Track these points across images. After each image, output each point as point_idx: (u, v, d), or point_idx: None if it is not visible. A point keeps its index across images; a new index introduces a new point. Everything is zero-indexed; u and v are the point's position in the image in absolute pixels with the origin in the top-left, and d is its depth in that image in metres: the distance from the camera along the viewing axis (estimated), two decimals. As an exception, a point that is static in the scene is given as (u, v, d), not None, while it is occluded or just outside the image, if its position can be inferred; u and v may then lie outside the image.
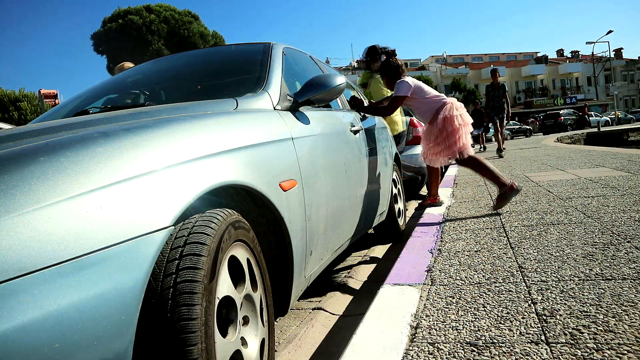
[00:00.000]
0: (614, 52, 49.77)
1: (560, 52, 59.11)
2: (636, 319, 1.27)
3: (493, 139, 11.66)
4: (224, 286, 1.00)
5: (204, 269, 0.90)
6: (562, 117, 27.97)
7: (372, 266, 2.84)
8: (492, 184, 3.24)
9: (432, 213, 3.36)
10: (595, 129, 23.32)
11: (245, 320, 1.13)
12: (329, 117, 2.15)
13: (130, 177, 0.84)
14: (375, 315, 1.52)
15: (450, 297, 1.61)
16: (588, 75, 46.19)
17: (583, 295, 1.48)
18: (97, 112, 1.67)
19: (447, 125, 3.01)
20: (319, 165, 1.77)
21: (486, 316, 1.41)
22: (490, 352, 1.19)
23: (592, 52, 40.92)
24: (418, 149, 5.32)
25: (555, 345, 1.18)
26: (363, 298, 2.19)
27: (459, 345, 1.24)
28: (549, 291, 1.55)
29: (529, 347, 1.19)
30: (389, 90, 3.66)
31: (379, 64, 3.46)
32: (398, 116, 4.63)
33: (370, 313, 1.55)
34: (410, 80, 3.15)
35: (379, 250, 3.23)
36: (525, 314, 1.39)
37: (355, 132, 2.43)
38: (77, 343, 0.67)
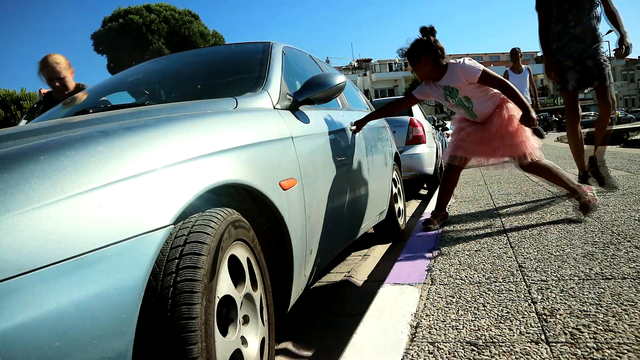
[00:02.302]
0: (613, 52, 49.70)
1: (560, 52, 58.96)
2: (636, 319, 1.27)
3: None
4: (224, 285, 1.00)
5: (204, 268, 0.90)
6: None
7: (372, 265, 2.83)
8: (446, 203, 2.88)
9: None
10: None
11: (246, 320, 1.13)
12: (329, 116, 2.15)
13: (130, 176, 0.84)
14: (375, 315, 1.52)
15: (450, 296, 1.61)
16: (588, 75, 46.10)
17: (583, 294, 1.48)
18: (96, 112, 1.67)
19: (510, 123, 2.45)
20: (319, 165, 1.77)
21: (486, 315, 1.41)
22: (490, 351, 1.19)
23: (592, 52, 40.84)
24: (418, 149, 5.33)
25: (555, 344, 1.18)
26: (363, 297, 2.19)
27: (459, 345, 1.24)
28: (549, 290, 1.55)
29: (529, 347, 1.19)
30: None
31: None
32: None
33: (370, 312, 1.55)
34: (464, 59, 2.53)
35: (379, 250, 3.23)
36: (525, 313, 1.39)
37: (355, 131, 2.43)
38: (77, 342, 0.67)
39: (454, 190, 2.94)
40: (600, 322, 1.27)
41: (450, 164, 2.70)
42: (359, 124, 2.49)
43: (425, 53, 2.44)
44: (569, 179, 2.57)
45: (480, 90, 2.48)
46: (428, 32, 2.47)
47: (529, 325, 1.31)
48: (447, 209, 3.02)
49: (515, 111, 2.45)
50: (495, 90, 2.48)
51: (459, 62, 2.44)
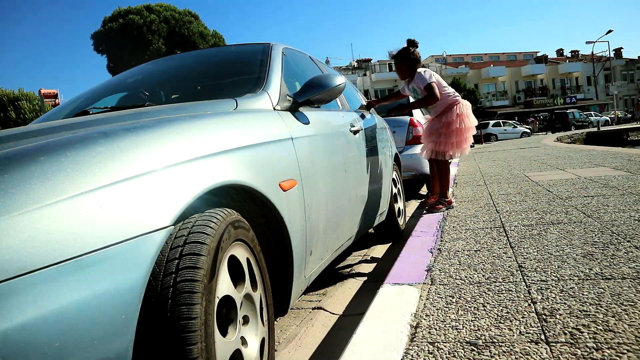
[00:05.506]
0: (613, 52, 49.67)
1: (560, 52, 58.97)
2: (636, 319, 1.27)
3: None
4: (224, 285, 1.00)
5: (204, 269, 0.90)
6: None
7: (372, 266, 2.84)
8: (435, 189, 3.51)
9: (431, 212, 3.36)
10: (595, 129, 23.36)
11: (245, 320, 1.13)
12: (329, 117, 2.15)
13: (130, 177, 0.84)
14: (375, 315, 1.52)
15: (450, 296, 1.61)
16: (588, 75, 46.06)
17: (583, 294, 1.48)
18: (97, 113, 1.67)
19: (457, 122, 3.17)
20: (319, 165, 1.77)
21: (486, 315, 1.41)
22: (490, 351, 1.19)
23: (592, 52, 40.87)
24: (418, 149, 5.33)
25: (555, 344, 1.18)
26: (363, 297, 2.19)
27: (459, 345, 1.25)
28: (548, 290, 1.55)
29: (529, 347, 1.19)
30: None
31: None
32: None
33: (370, 312, 1.55)
34: (428, 71, 3.30)
35: (379, 250, 3.23)
36: (525, 313, 1.39)
37: (355, 132, 2.43)
38: (77, 342, 0.67)
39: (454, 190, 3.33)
40: (600, 322, 1.27)
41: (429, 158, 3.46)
42: (370, 104, 3.28)
43: (404, 59, 3.30)
44: (448, 188, 3.46)
45: None
46: (411, 43, 3.33)
47: (528, 325, 1.31)
48: (447, 208, 3.37)
49: (461, 115, 3.18)
50: (445, 96, 3.22)
51: (420, 71, 3.23)
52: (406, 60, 3.30)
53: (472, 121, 3.24)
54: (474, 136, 3.57)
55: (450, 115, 3.20)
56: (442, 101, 3.23)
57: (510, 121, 29.57)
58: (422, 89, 3.22)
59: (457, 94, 3.33)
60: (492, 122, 28.31)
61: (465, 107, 3.23)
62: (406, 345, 1.28)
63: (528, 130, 27.12)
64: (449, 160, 3.35)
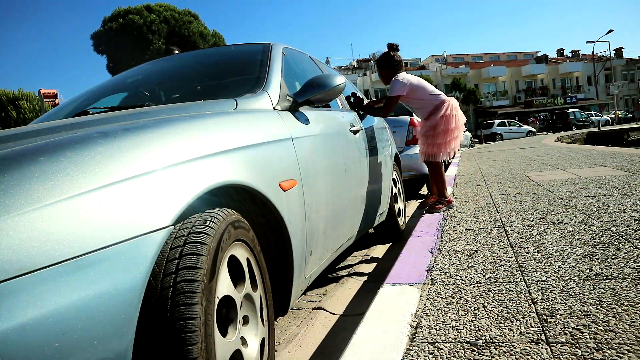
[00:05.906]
0: (614, 52, 49.62)
1: (560, 52, 58.90)
2: (636, 319, 1.27)
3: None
4: (224, 285, 1.00)
5: (204, 269, 0.90)
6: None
7: (373, 266, 2.84)
8: (434, 190, 3.48)
9: (432, 212, 3.36)
10: (596, 129, 23.38)
11: (245, 320, 1.13)
12: (329, 117, 2.15)
13: (130, 177, 0.84)
14: (375, 315, 1.52)
15: (451, 296, 1.61)
16: (588, 75, 46.00)
17: (583, 294, 1.48)
18: (97, 113, 1.67)
19: (442, 124, 3.10)
20: (319, 165, 1.77)
21: (486, 316, 1.41)
22: (490, 351, 1.19)
23: (593, 52, 40.85)
24: (418, 149, 5.33)
25: (555, 344, 1.18)
26: (363, 298, 2.19)
27: (459, 345, 1.24)
28: (549, 291, 1.55)
29: (529, 347, 1.19)
30: None
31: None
32: None
33: (371, 313, 1.55)
34: (405, 78, 3.14)
35: (379, 250, 3.23)
36: (526, 313, 1.39)
37: (355, 132, 2.43)
38: (77, 342, 0.67)
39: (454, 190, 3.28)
40: (600, 322, 1.27)
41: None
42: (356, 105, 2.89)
43: (384, 65, 3.24)
44: (445, 188, 3.42)
45: (411, 101, 3.22)
46: (392, 47, 3.23)
47: (529, 325, 1.31)
48: (447, 208, 3.36)
49: (445, 116, 3.08)
50: (428, 99, 3.16)
51: (397, 78, 3.11)
52: (386, 65, 3.23)
53: (459, 119, 3.15)
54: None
55: (435, 118, 3.12)
56: (429, 104, 3.17)
57: (514, 120, 29.77)
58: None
59: (440, 93, 3.22)
60: (497, 121, 28.64)
61: (450, 107, 3.13)
62: (406, 346, 1.28)
63: (533, 130, 27.34)
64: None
